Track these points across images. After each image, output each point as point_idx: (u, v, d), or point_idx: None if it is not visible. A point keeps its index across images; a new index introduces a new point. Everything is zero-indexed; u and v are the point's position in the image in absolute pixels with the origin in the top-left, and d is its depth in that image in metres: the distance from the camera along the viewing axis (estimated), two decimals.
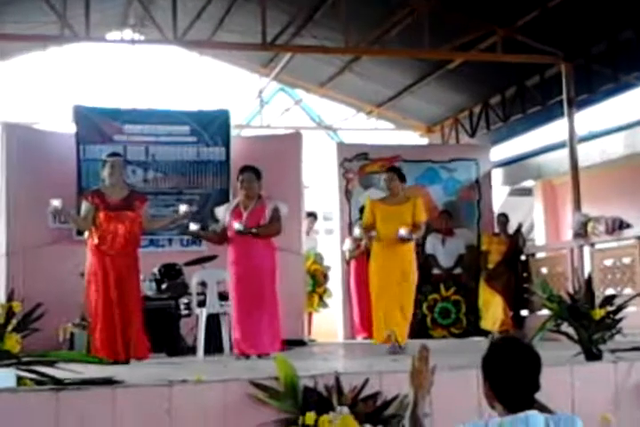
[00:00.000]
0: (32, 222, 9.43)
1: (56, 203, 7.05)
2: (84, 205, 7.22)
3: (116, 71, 15.87)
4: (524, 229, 11.92)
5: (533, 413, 2.97)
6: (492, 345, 3.13)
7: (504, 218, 11.30)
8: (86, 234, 7.28)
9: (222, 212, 7.56)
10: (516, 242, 11.02)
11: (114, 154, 7.74)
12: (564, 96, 10.91)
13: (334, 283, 11.62)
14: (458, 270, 11.40)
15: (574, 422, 3.03)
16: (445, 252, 11.41)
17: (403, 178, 8.08)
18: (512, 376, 2.99)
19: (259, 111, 15.32)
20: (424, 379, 3.32)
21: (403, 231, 7.70)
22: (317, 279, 10.79)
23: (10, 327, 4.43)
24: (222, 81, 17.69)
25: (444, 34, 10.33)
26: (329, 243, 12.37)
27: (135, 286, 7.23)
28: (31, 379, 4.43)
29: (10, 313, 4.47)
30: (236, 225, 7.25)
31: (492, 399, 3.05)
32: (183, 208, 7.52)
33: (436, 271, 11.35)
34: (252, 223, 7.32)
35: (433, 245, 11.45)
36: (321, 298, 10.93)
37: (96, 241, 7.05)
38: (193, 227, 7.48)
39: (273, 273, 7.41)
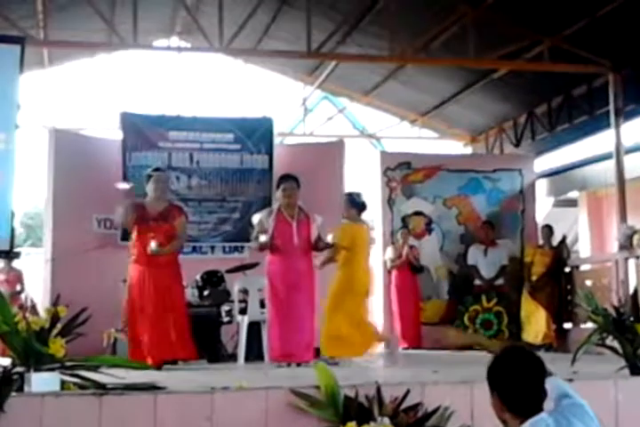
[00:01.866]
0: (77, 228, 9.54)
1: (125, 186, 7.33)
2: (129, 208, 7.39)
3: (162, 78, 16.02)
4: (568, 241, 11.79)
5: (543, 415, 3.02)
6: (497, 356, 3.17)
7: (548, 229, 11.19)
8: (130, 243, 7.40)
9: (259, 219, 7.53)
10: (560, 254, 10.90)
11: (158, 169, 7.88)
12: (612, 106, 10.78)
13: (376, 292, 11.56)
14: (500, 282, 11.28)
15: (583, 411, 3.05)
16: (487, 263, 11.31)
17: None
18: (521, 384, 3.04)
19: (302, 119, 15.34)
20: None
21: None
22: None
23: (55, 332, 4.47)
24: (267, 89, 17.80)
25: (489, 42, 10.26)
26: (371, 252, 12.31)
27: (179, 292, 7.33)
28: (74, 383, 4.47)
29: (55, 318, 4.51)
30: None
31: (503, 411, 3.07)
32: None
33: (477, 282, 11.26)
34: (302, 233, 7.34)
35: (475, 255, 11.36)
36: None
37: (135, 254, 7.25)
38: (262, 238, 7.39)
39: (313, 283, 7.42)
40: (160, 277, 7.13)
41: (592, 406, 3.17)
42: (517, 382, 3.05)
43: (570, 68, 10.72)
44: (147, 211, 7.33)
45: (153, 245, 7.11)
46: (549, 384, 3.13)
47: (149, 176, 7.53)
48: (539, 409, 3.05)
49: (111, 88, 14.92)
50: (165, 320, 7.07)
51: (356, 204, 8.01)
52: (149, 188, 7.44)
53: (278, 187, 7.55)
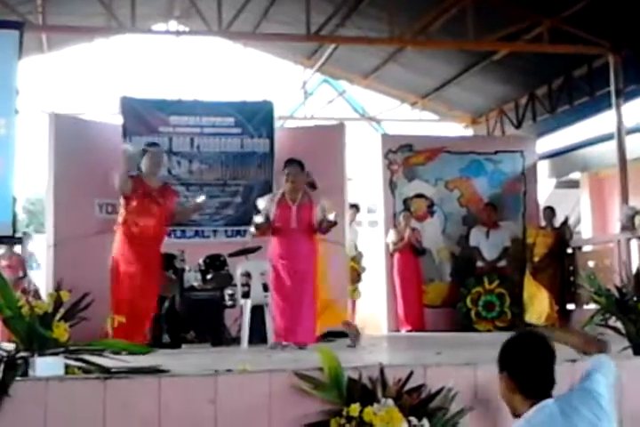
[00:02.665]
0: (79, 213, 9.54)
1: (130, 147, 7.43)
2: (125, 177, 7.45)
3: (162, 63, 15.98)
4: (570, 222, 11.80)
5: (549, 401, 3.05)
6: (511, 337, 3.21)
7: (550, 211, 11.19)
8: (119, 219, 7.42)
9: (264, 203, 7.55)
10: (562, 235, 10.92)
11: (154, 144, 7.95)
12: (612, 87, 10.77)
13: (378, 275, 11.60)
14: (502, 263, 11.30)
15: (591, 398, 3.07)
16: (489, 244, 11.33)
17: None
18: (535, 365, 3.09)
19: (302, 102, 15.32)
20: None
21: None
22: (350, 277, 10.71)
23: (58, 316, 4.47)
24: (266, 72, 17.75)
25: (489, 24, 10.23)
26: (373, 235, 12.34)
27: (157, 276, 7.46)
28: (79, 367, 4.48)
29: (58, 302, 4.51)
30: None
31: (514, 393, 3.09)
32: (200, 198, 7.75)
33: (479, 264, 11.29)
34: (303, 216, 7.34)
35: (477, 237, 11.38)
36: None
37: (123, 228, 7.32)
38: (258, 219, 7.43)
39: (315, 267, 7.45)
40: (145, 257, 7.25)
41: None
42: (531, 362, 3.09)
43: (570, 49, 10.70)
44: (145, 184, 7.38)
45: (202, 197, 7.56)
46: (590, 361, 3.16)
47: (144, 151, 7.58)
48: (548, 394, 3.07)
49: (111, 73, 14.88)
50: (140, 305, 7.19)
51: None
52: (145, 163, 7.46)
53: (283, 171, 7.57)
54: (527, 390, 3.07)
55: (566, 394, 3.13)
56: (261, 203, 7.59)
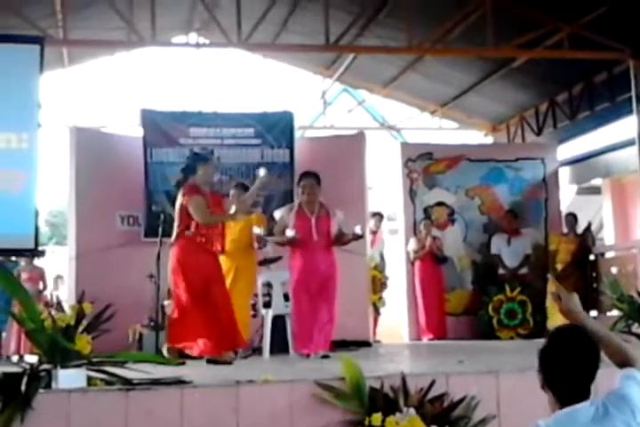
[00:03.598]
0: (101, 225, 9.59)
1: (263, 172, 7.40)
2: (202, 200, 6.94)
3: (182, 75, 16.08)
4: (592, 228, 11.74)
5: (584, 405, 2.87)
6: (551, 334, 3.07)
7: (572, 217, 11.14)
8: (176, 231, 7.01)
9: (281, 213, 7.63)
10: (585, 241, 10.87)
11: (209, 153, 8.26)
12: (633, 93, 10.71)
13: (399, 283, 11.57)
14: (523, 271, 11.24)
15: (624, 403, 2.93)
16: (511, 252, 11.27)
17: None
18: (565, 366, 2.89)
19: (322, 112, 15.35)
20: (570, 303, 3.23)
21: None
22: (374, 286, 10.69)
23: (80, 328, 4.50)
24: (286, 83, 17.81)
25: (508, 31, 10.22)
26: (393, 243, 12.32)
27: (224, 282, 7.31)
28: (101, 379, 4.51)
29: (80, 314, 4.55)
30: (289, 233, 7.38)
31: (545, 389, 2.98)
32: (262, 172, 7.55)
33: (501, 272, 11.23)
34: (322, 227, 7.44)
35: (498, 245, 11.33)
36: (374, 305, 10.80)
37: (202, 239, 6.92)
38: (290, 233, 7.36)
39: (335, 278, 7.49)
40: (215, 264, 7.08)
41: None
42: (563, 362, 2.90)
43: (590, 55, 10.65)
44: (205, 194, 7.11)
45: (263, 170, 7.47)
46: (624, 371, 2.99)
47: (205, 159, 7.30)
48: (583, 394, 2.89)
49: (131, 86, 14.97)
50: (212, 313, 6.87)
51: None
52: (206, 171, 7.09)
53: (299, 184, 7.62)
54: (557, 392, 2.90)
55: (600, 398, 2.92)
56: (278, 214, 7.67)
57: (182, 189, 7.02)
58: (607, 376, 2.98)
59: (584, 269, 10.80)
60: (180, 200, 6.98)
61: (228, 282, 7.47)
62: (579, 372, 2.90)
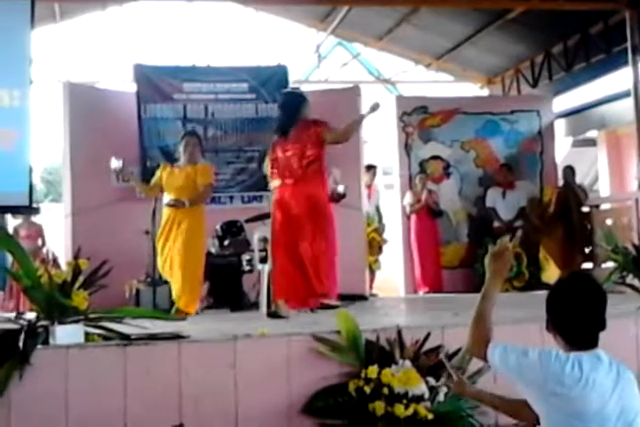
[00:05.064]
0: (95, 182, 9.55)
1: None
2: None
3: (175, 29, 15.92)
4: (587, 181, 11.74)
5: (601, 352, 2.93)
6: (560, 281, 3.10)
7: (570, 170, 11.13)
8: None
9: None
10: (569, 193, 10.85)
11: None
12: (629, 44, 10.62)
13: (394, 237, 11.60)
14: (518, 223, 11.28)
15: (626, 372, 2.98)
16: (506, 205, 11.28)
17: None
18: (575, 312, 2.92)
19: (317, 66, 15.23)
20: (503, 264, 3.29)
21: None
22: (371, 249, 10.69)
23: (77, 285, 4.52)
24: (279, 36, 17.63)
25: None
26: (389, 198, 12.32)
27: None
28: (99, 335, 4.54)
29: (77, 271, 4.56)
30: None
31: (555, 334, 3.00)
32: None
33: (496, 225, 11.25)
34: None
35: (493, 198, 11.33)
36: (370, 267, 10.81)
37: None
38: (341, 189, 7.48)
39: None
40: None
41: (613, 344, 3.13)
42: (572, 308, 2.92)
43: (585, 6, 10.55)
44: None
45: None
46: None
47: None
48: (593, 341, 2.93)
49: (124, 40, 14.83)
50: None
51: None
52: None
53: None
54: (568, 339, 2.93)
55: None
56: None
57: (306, 124, 7.18)
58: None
59: (569, 219, 10.78)
60: (308, 134, 7.06)
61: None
62: (585, 313, 2.93)
